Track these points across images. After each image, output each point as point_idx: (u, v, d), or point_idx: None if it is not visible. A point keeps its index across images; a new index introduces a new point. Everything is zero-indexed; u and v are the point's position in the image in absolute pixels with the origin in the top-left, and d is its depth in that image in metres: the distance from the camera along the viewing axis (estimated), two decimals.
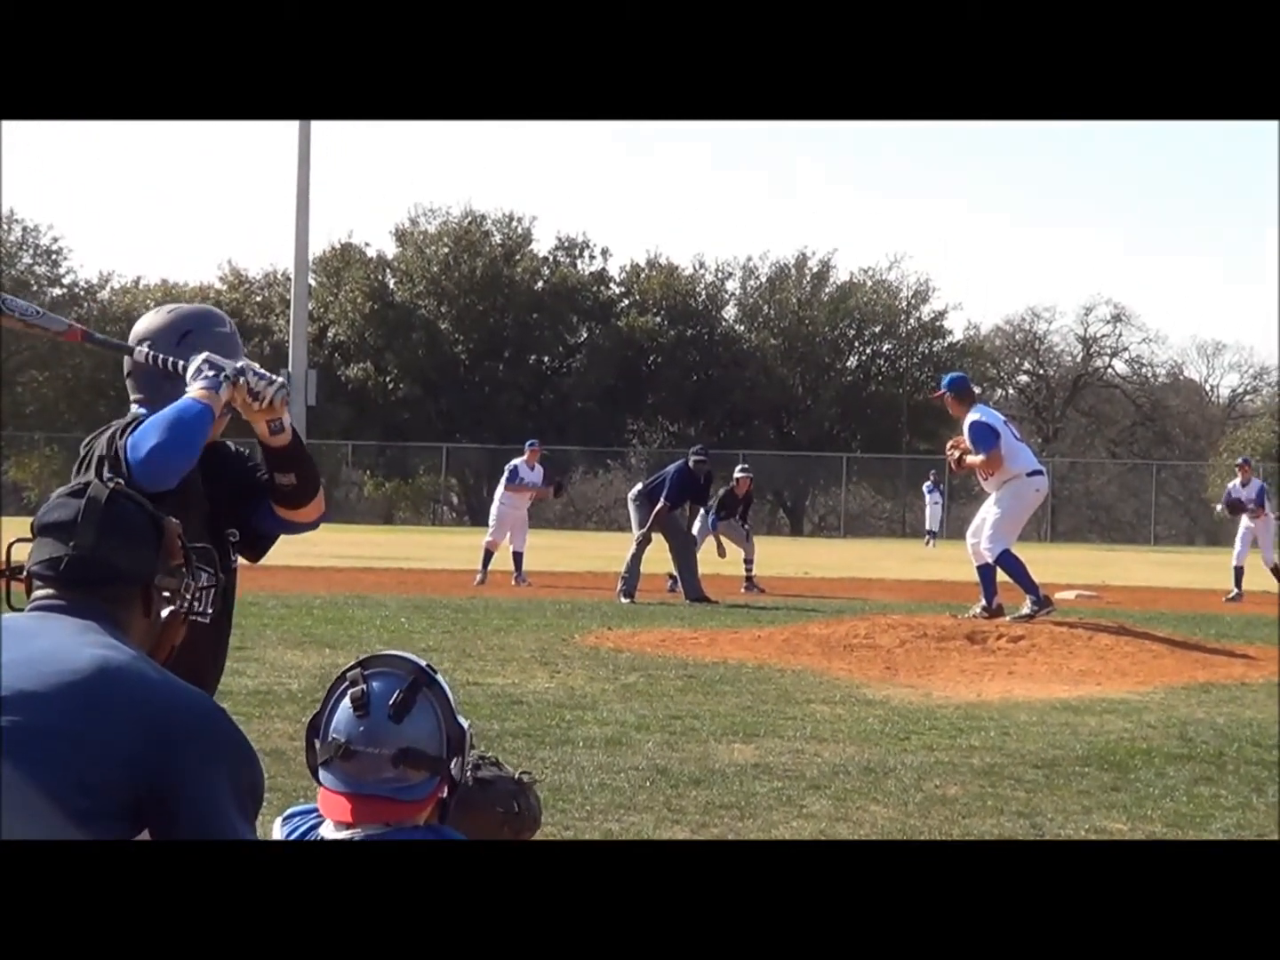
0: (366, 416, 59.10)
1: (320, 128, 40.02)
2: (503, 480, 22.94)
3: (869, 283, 64.68)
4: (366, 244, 63.83)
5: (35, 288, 57.35)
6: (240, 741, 2.98)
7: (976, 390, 15.59)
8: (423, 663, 3.32)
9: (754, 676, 12.10)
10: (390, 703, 3.23)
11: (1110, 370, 71.52)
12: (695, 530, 20.68)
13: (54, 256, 60.80)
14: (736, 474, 22.61)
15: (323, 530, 5.10)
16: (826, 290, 64.77)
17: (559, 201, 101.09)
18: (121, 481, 3.26)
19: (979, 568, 14.51)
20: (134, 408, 4.52)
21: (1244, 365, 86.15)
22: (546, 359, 63.18)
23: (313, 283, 56.05)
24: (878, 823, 7.40)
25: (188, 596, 3.20)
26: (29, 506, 45.98)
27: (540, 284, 62.40)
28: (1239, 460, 26.02)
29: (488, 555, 21.91)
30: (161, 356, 4.34)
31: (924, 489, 45.08)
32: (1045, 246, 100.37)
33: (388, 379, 60.00)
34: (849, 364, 65.25)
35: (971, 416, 14.42)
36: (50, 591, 3.09)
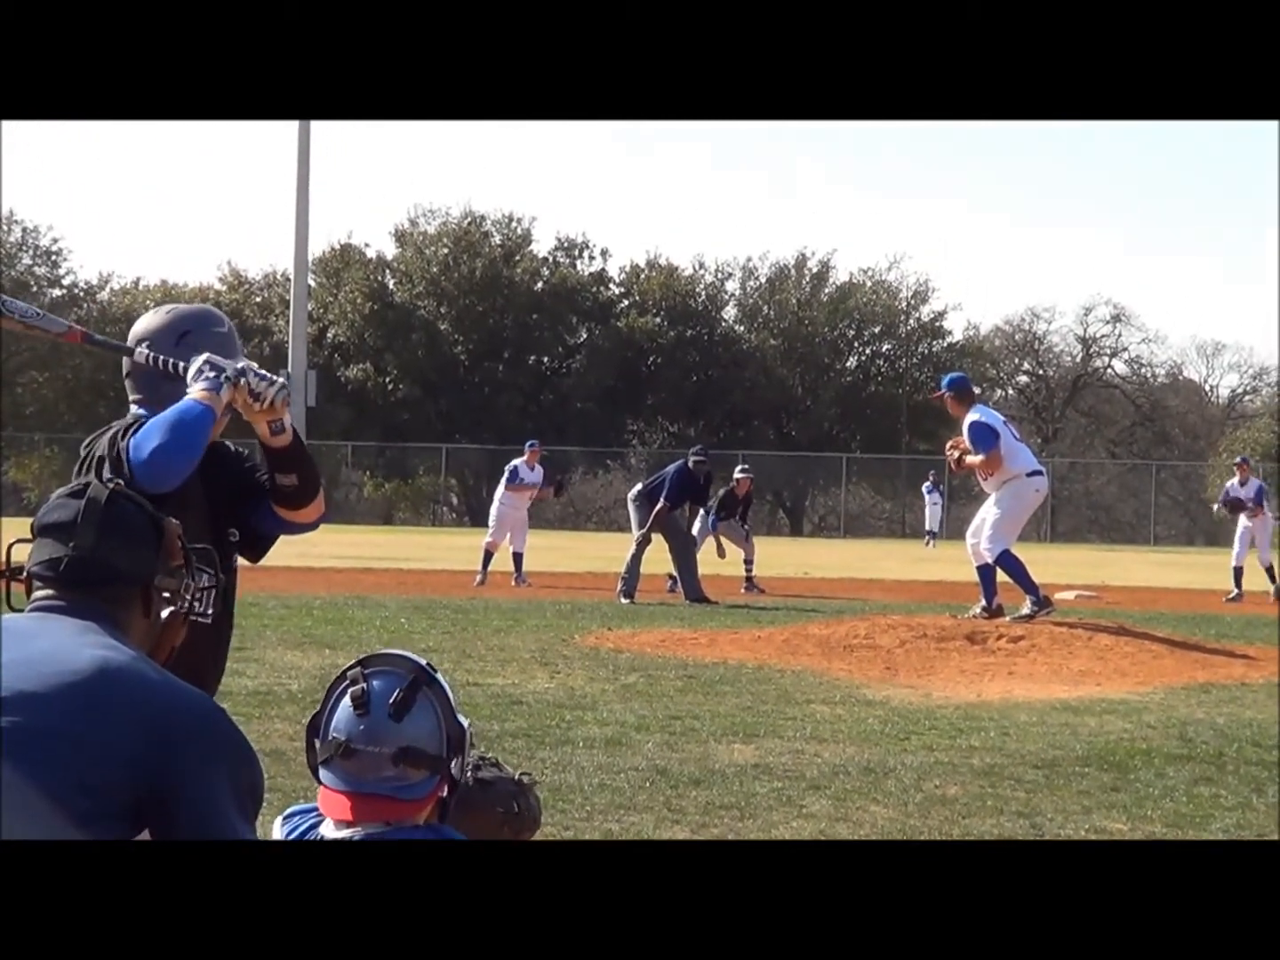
0: (366, 417, 59.10)
1: (320, 128, 40.06)
2: (503, 481, 22.95)
3: (869, 283, 64.70)
4: (366, 245, 63.95)
5: (35, 289, 57.37)
6: (240, 742, 2.98)
7: (976, 390, 15.59)
8: (423, 661, 3.32)
9: (754, 677, 12.10)
10: (390, 701, 3.23)
11: (1110, 370, 71.54)
12: (695, 531, 20.68)
13: (54, 257, 60.84)
14: (736, 474, 22.61)
15: (322, 531, 5.10)
16: (826, 291, 64.78)
17: (559, 202, 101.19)
18: (121, 482, 3.26)
19: (979, 568, 14.51)
20: (133, 408, 4.52)
21: (1243, 365, 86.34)
22: (546, 359, 63.18)
23: (312, 283, 56.05)
24: (878, 823, 7.39)
25: (188, 597, 3.20)
26: (29, 507, 45.98)
27: (540, 284, 62.41)
28: (1237, 459, 26.01)
29: (488, 556, 21.91)
30: (162, 357, 4.34)
31: (923, 489, 45.07)
32: (1045, 246, 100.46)
33: (387, 380, 60.00)
34: (849, 364, 65.26)
35: (971, 417, 14.42)
36: (50, 592, 3.09)
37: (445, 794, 3.30)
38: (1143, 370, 71.21)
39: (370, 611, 16.16)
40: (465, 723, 3.31)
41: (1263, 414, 64.95)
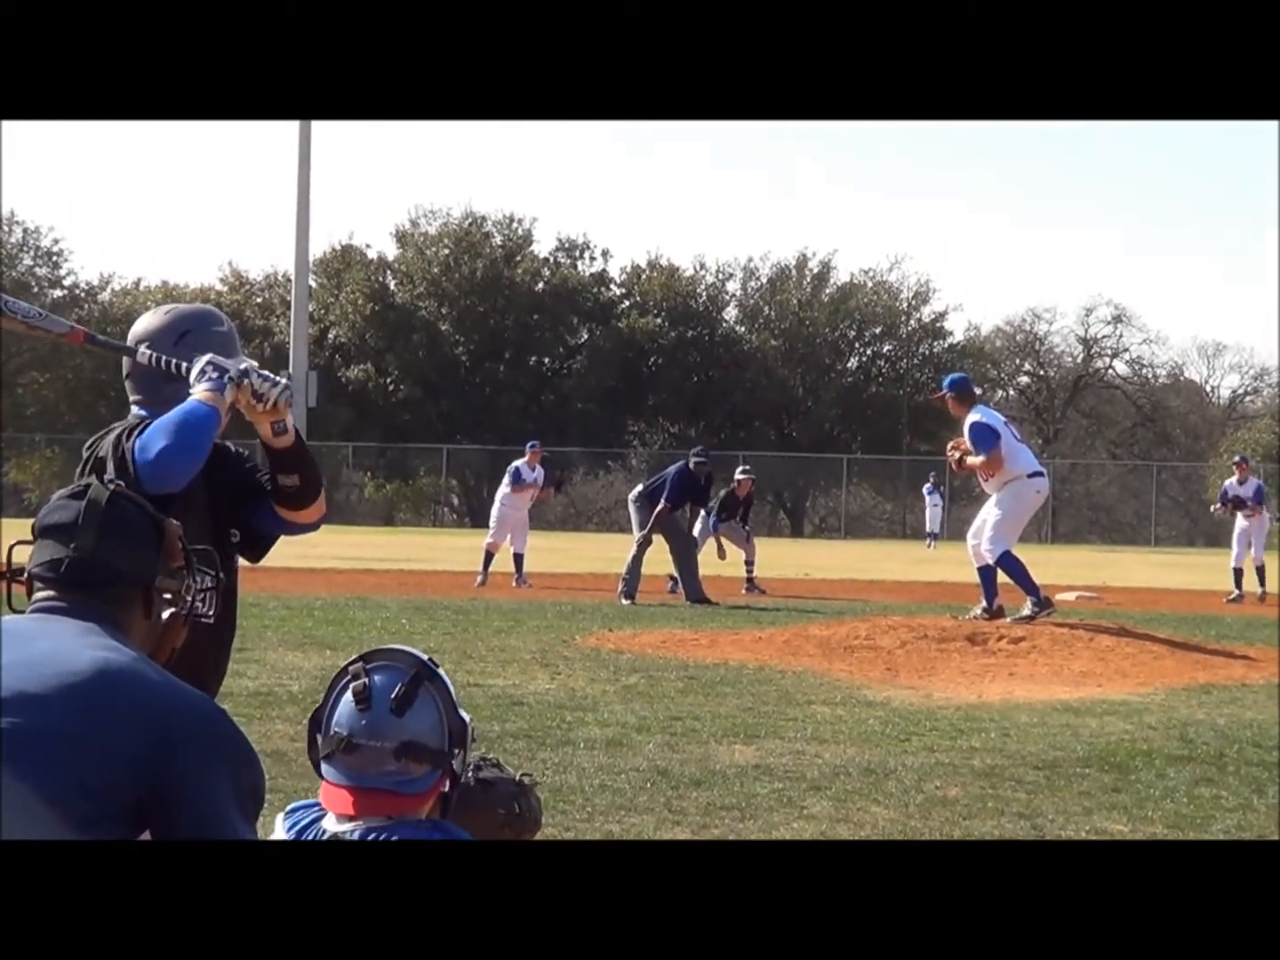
0: (367, 418, 59.10)
1: (320, 128, 40.04)
2: (505, 482, 22.94)
3: (869, 284, 64.71)
4: (367, 245, 63.98)
5: (36, 289, 57.37)
6: (241, 743, 2.98)
7: (977, 391, 15.59)
8: (424, 656, 3.33)
9: (755, 678, 12.10)
10: (392, 696, 3.24)
11: (1111, 371, 71.55)
12: (696, 532, 20.68)
13: (55, 258, 60.86)
14: (737, 475, 22.60)
15: (323, 532, 5.10)
16: (827, 291, 64.79)
17: (559, 203, 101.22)
18: (122, 483, 3.25)
19: (979, 569, 14.51)
20: (134, 409, 4.52)
21: (1244, 366, 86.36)
22: (547, 360, 63.18)
23: (313, 284, 56.07)
24: (878, 824, 7.39)
25: (189, 598, 3.20)
26: (30, 508, 46.01)
27: (541, 285, 62.41)
28: (1236, 458, 25.96)
29: (488, 557, 21.92)
30: (164, 358, 4.34)
31: (924, 491, 45.05)
32: (1045, 247, 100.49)
33: (388, 380, 60.01)
34: (849, 365, 65.27)
35: (972, 417, 14.41)
36: (51, 593, 3.09)
37: (447, 789, 3.30)
38: (1143, 371, 71.27)
39: (371, 612, 16.16)
40: (467, 717, 3.32)
41: (1263, 415, 64.96)
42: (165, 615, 3.16)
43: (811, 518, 63.18)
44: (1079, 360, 71.07)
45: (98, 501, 3.12)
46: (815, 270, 64.88)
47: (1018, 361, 71.80)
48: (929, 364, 63.50)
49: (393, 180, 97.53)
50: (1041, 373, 71.28)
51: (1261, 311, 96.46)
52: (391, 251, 63.79)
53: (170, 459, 4.09)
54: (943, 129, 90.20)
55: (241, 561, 4.61)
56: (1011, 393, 70.50)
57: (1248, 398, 71.78)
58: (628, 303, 63.62)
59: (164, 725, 2.86)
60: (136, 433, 4.19)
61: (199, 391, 4.18)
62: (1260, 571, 22.98)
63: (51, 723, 2.81)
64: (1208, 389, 73.81)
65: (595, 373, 60.47)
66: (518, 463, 23.04)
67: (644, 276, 63.88)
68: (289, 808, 3.38)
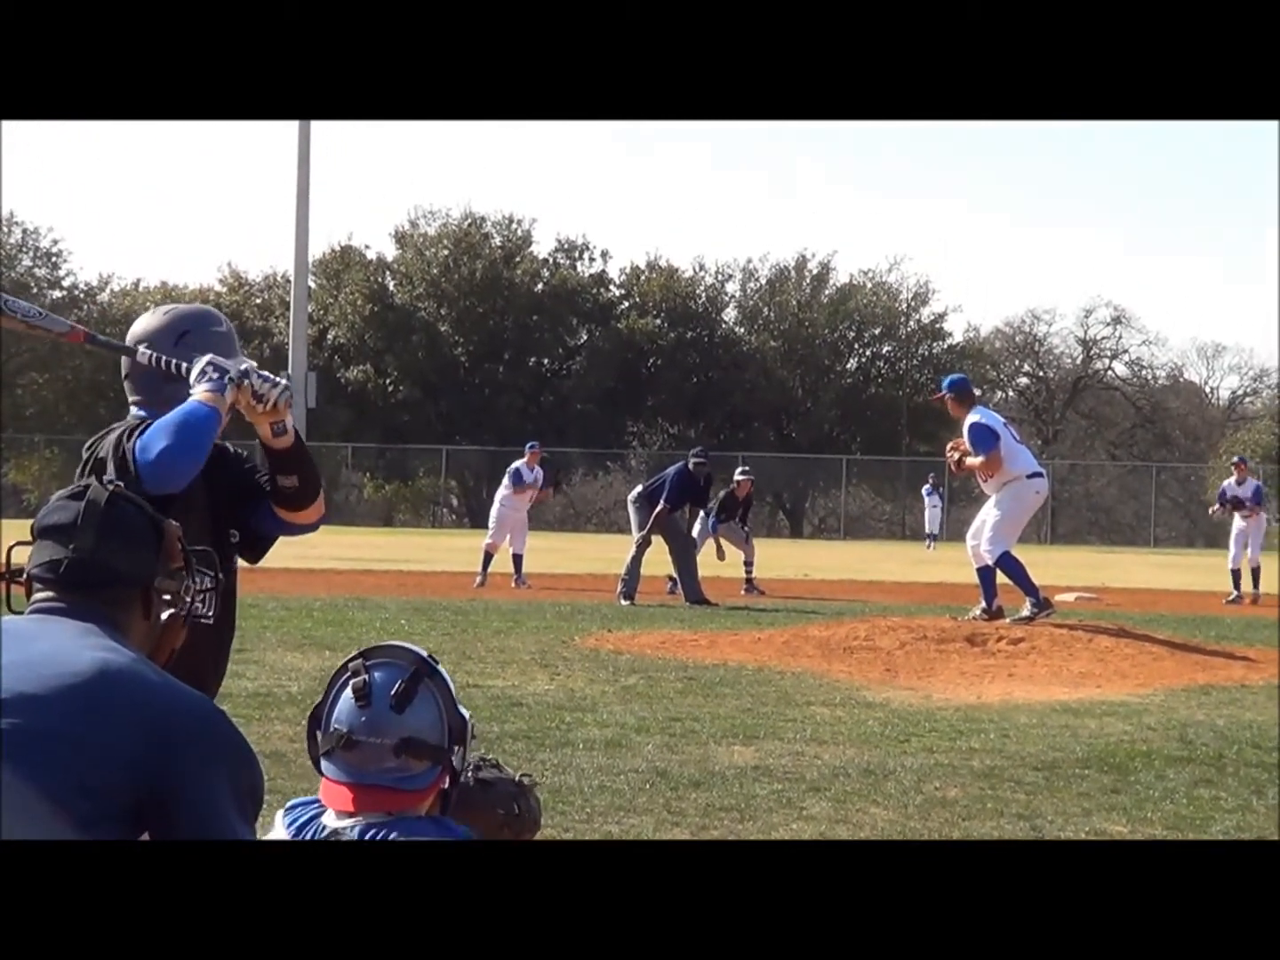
0: (366, 419, 59.10)
1: (320, 129, 40.06)
2: (506, 483, 22.93)
3: (869, 285, 64.70)
4: (366, 246, 63.97)
5: (35, 290, 57.35)
6: (240, 744, 2.98)
7: (977, 392, 15.59)
8: (424, 653, 3.33)
9: (754, 679, 12.10)
10: (392, 693, 3.24)
11: (1110, 372, 71.55)
12: (695, 532, 20.68)
13: (54, 259, 60.85)
14: (737, 476, 22.61)
15: (322, 532, 5.10)
16: (826, 292, 64.79)
17: (559, 203, 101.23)
18: (121, 484, 3.25)
19: (979, 570, 14.51)
20: (133, 410, 4.52)
21: (1244, 367, 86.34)
22: (546, 361, 63.18)
23: (312, 285, 56.07)
24: (878, 825, 7.39)
25: (188, 599, 3.20)
26: (29, 509, 46.00)
27: (540, 286, 62.41)
28: (1234, 459, 25.95)
29: (488, 557, 21.92)
30: (164, 358, 4.33)
31: (923, 492, 45.03)
32: (1045, 247, 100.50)
33: (387, 381, 60.01)
34: (849, 366, 65.26)
35: (971, 418, 14.42)
36: (50, 594, 3.09)
37: (447, 785, 3.31)
38: (1143, 372, 71.26)
39: (370, 613, 16.16)
40: (466, 714, 3.33)
41: (1263, 416, 64.96)
42: (164, 616, 3.16)
43: (811, 518, 63.19)
44: (1078, 361, 71.07)
45: (97, 502, 3.12)
46: (814, 271, 64.89)
47: (1017, 363, 71.81)
48: (928, 365, 63.50)
49: (392, 181, 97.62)
50: (1041, 374, 71.28)
51: (1261, 312, 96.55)
52: (391, 252, 63.87)
53: (171, 459, 4.09)
54: (943, 129, 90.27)
55: (240, 562, 4.61)
56: (1011, 394, 70.52)
57: (1247, 399, 71.81)
58: (627, 304, 63.62)
59: (163, 726, 2.86)
60: (137, 433, 4.19)
61: (199, 392, 4.18)
62: (1255, 573, 22.97)
63: (51, 723, 2.81)
64: (1207, 390, 73.87)
65: (594, 374, 60.48)
66: (518, 463, 23.05)
67: (643, 277, 63.88)
68: (289, 804, 3.39)
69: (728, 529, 22.09)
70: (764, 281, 64.96)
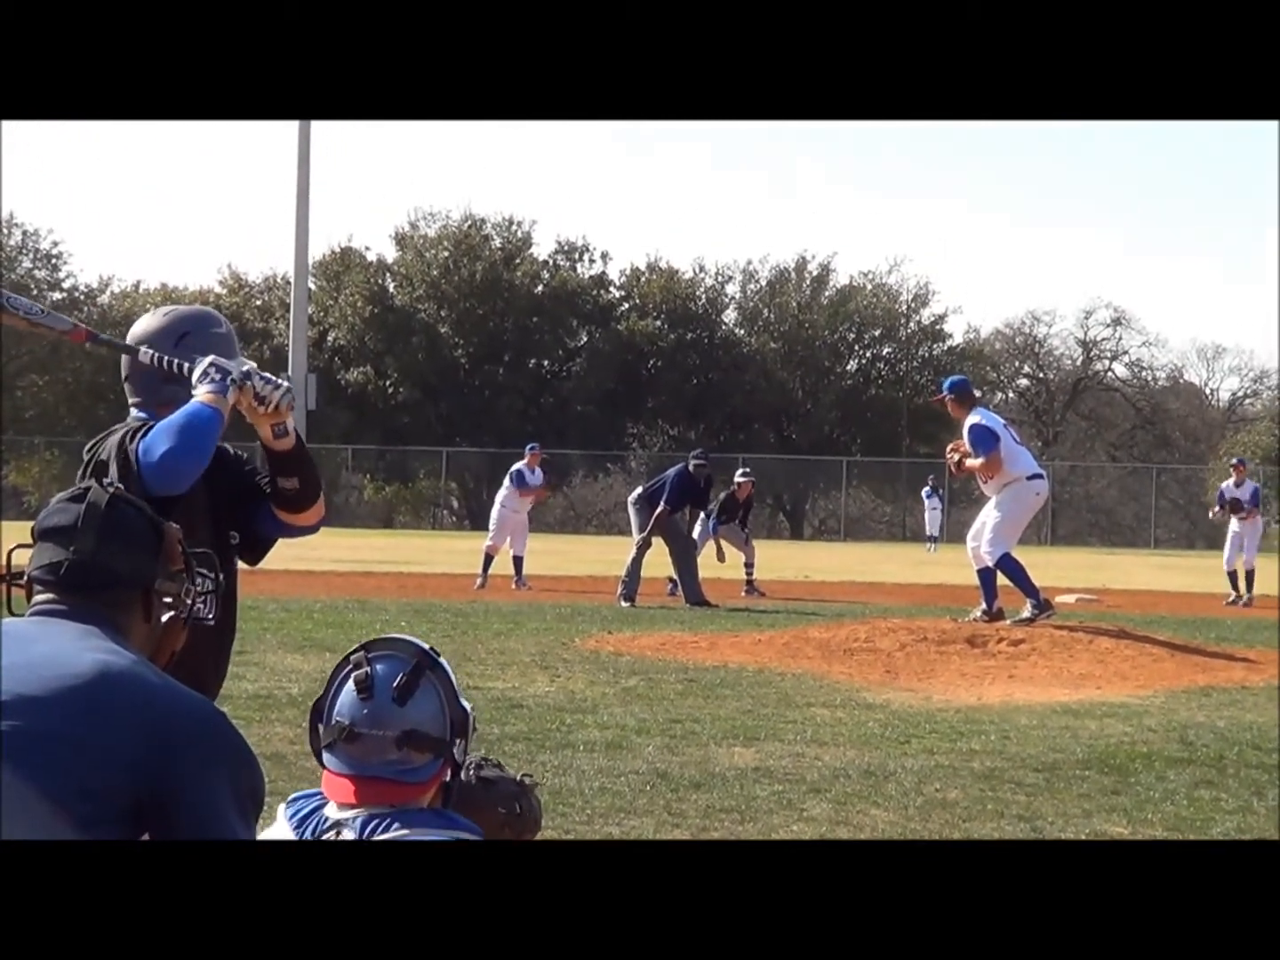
0: (366, 420, 59.11)
1: (320, 131, 40.07)
2: (507, 485, 22.91)
3: (869, 286, 64.72)
4: (366, 248, 64.01)
5: (35, 292, 57.33)
6: (241, 746, 2.97)
7: (977, 393, 15.59)
8: (425, 645, 3.33)
9: (754, 680, 12.09)
10: (394, 685, 3.25)
11: (1110, 374, 71.56)
12: (695, 534, 20.68)
13: (54, 260, 60.89)
14: (737, 478, 22.61)
15: (322, 534, 5.10)
16: (826, 294, 64.82)
17: (559, 205, 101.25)
18: (121, 486, 3.25)
19: (979, 571, 14.51)
20: (133, 411, 4.51)
21: (1244, 369, 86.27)
22: (546, 363, 63.20)
23: (313, 287, 56.08)
24: (878, 826, 7.39)
25: (188, 601, 3.20)
26: (29, 511, 46.01)
27: (540, 288, 62.42)
28: (1233, 460, 25.94)
29: (488, 559, 21.92)
30: (167, 358, 4.33)
31: (923, 494, 45.02)
32: (1045, 248, 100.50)
33: (388, 383, 60.02)
34: (849, 367, 65.28)
35: (971, 419, 14.42)
36: (51, 596, 3.09)
37: (448, 778, 3.31)
38: (1143, 373, 71.26)
39: (370, 615, 16.16)
40: (468, 707, 3.33)
41: (1263, 417, 64.95)
42: (165, 618, 3.16)
43: (811, 520, 63.19)
44: (1078, 363, 71.08)
45: (97, 504, 3.12)
46: (814, 273, 64.91)
47: (1017, 364, 71.82)
48: (928, 366, 63.51)
49: (392, 182, 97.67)
50: (1041, 375, 71.28)
51: (1261, 314, 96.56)
52: (391, 254, 63.89)
53: (174, 461, 4.08)
54: (943, 129, 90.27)
55: (240, 564, 4.61)
56: (1011, 395, 70.54)
57: (1247, 400, 71.81)
58: (627, 305, 63.64)
59: (164, 728, 2.86)
60: (140, 435, 4.19)
61: (201, 393, 4.18)
62: (1250, 575, 22.95)
63: (52, 725, 2.81)
64: (1207, 391, 73.87)
65: (595, 375, 60.49)
66: (519, 465, 23.05)
67: (643, 279, 63.90)
68: (290, 797, 3.39)
69: (728, 530, 22.09)
70: (764, 283, 64.99)
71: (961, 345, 65.74)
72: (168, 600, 3.16)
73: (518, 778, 3.92)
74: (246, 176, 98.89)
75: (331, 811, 3.25)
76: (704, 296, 64.47)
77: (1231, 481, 24.09)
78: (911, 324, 65.05)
